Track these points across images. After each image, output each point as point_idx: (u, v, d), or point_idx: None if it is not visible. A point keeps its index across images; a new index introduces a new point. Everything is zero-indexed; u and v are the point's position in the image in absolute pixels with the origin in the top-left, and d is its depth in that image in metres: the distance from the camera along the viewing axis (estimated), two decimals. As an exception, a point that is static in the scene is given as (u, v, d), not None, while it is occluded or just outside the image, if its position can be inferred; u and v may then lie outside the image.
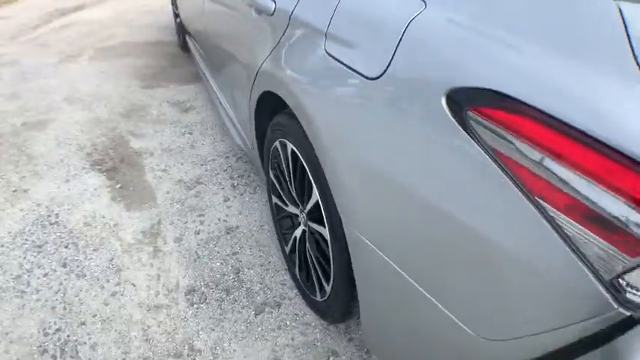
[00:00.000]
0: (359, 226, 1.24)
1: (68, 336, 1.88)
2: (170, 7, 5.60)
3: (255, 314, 1.95)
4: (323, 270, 1.65)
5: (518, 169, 0.83)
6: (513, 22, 0.91)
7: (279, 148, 1.78)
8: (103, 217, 2.58)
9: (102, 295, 2.06)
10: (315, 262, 1.69)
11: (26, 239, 2.45)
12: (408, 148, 1.02)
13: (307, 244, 1.75)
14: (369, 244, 1.20)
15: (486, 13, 0.96)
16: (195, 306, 2.00)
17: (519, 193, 0.82)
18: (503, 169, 0.84)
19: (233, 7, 2.22)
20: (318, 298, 1.74)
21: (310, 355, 1.78)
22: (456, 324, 0.99)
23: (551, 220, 0.79)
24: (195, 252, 2.28)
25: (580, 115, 0.75)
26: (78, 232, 2.47)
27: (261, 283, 2.10)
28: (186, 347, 1.83)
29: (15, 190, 2.90)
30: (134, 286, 2.10)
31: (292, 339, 1.85)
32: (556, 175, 0.79)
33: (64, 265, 2.25)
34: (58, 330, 1.92)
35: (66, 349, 1.83)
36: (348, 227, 1.29)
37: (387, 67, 1.10)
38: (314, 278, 1.74)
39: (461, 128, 0.89)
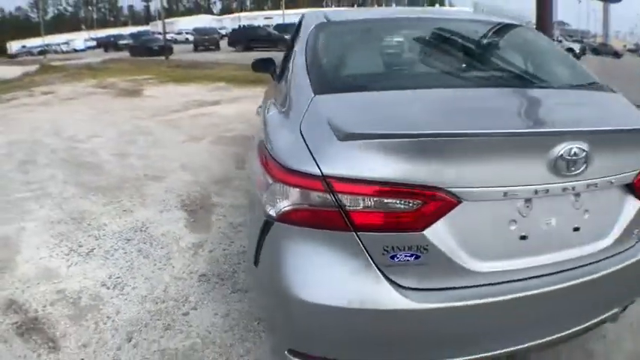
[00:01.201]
0: None
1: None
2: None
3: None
4: None
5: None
6: None
7: None
8: (174, 233, 3.82)
9: (156, 265, 3.20)
10: None
11: (121, 237, 3.75)
12: None
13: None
14: None
15: None
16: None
17: None
18: None
19: None
20: None
21: None
22: None
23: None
24: (223, 255, 3.36)
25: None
26: (155, 238, 3.74)
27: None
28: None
29: (124, 210, 4.32)
30: (173, 267, 3.22)
31: None
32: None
33: (140, 251, 3.48)
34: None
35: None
36: None
37: None
38: None
39: None
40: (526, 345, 1.73)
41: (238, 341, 2.44)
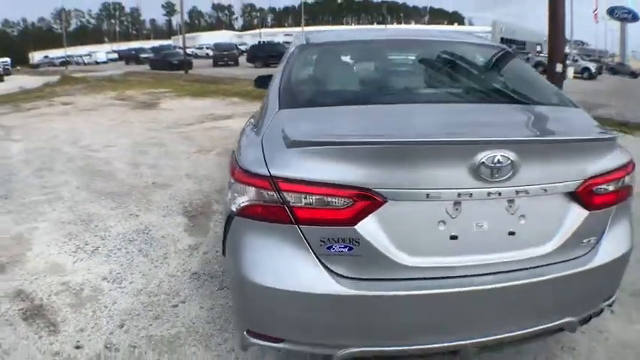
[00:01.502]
0: None
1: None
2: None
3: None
4: None
5: None
6: None
7: None
8: (174, 235, 4.12)
9: (153, 263, 3.49)
10: None
11: (124, 237, 4.07)
12: None
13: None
14: None
15: None
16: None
17: None
18: None
19: None
20: None
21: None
22: None
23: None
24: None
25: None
26: (156, 240, 4.06)
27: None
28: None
29: (130, 214, 4.65)
30: (169, 265, 3.50)
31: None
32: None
33: (140, 250, 3.79)
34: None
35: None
36: None
37: None
38: None
39: None
40: (462, 342, 1.87)
41: (218, 331, 2.70)
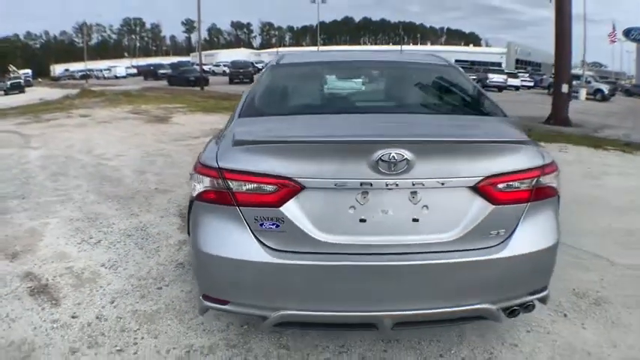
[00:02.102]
0: None
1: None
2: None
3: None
4: None
5: None
6: None
7: None
8: (167, 232, 4.64)
9: (146, 254, 3.98)
10: None
11: (124, 233, 4.59)
12: None
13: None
14: None
15: None
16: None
17: None
18: None
19: None
20: None
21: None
22: None
23: None
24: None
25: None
26: (151, 236, 4.58)
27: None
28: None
29: (132, 214, 5.19)
30: (159, 256, 3.99)
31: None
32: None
33: (136, 244, 4.29)
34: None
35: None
36: None
37: None
38: None
39: None
40: (376, 313, 2.21)
41: (192, 309, 3.16)
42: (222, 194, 2.26)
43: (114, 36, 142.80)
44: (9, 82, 40.91)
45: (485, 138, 2.35)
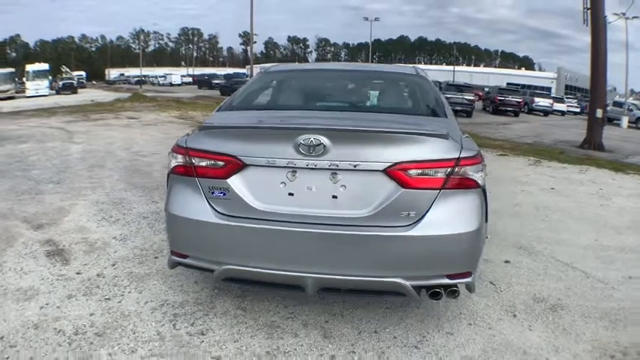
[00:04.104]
0: None
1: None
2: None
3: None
4: None
5: None
6: None
7: None
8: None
9: (154, 232, 4.48)
10: None
11: (140, 215, 5.12)
12: None
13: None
14: None
15: None
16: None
17: None
18: None
19: None
20: None
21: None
22: None
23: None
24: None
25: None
26: (163, 218, 5.03)
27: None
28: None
29: (152, 201, 5.73)
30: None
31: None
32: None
33: (149, 224, 4.80)
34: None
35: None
36: None
37: None
38: None
39: None
40: (301, 274, 2.57)
41: (176, 275, 3.61)
42: (187, 168, 2.77)
43: (171, 44, 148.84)
44: (61, 83, 43.49)
45: (398, 130, 2.66)
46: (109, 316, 3.02)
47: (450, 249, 2.60)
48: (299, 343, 2.80)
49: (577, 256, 4.42)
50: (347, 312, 3.16)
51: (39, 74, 39.48)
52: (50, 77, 42.95)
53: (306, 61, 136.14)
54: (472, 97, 26.48)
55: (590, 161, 10.71)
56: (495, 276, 3.86)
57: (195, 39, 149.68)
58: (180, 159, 2.80)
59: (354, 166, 2.55)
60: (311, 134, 2.54)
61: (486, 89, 36.90)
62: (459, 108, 25.04)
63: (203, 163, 2.71)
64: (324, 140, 2.53)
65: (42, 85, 38.40)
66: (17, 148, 9.60)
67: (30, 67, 40.35)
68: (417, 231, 2.54)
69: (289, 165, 2.60)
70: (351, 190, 2.58)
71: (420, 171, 2.55)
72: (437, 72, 69.69)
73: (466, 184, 2.63)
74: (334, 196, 2.59)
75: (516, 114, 29.92)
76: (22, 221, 4.88)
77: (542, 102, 36.00)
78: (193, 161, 2.73)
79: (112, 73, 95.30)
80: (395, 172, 2.54)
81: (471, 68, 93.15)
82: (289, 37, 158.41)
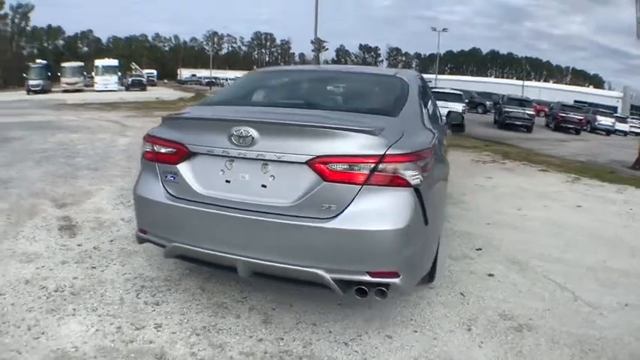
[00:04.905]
0: None
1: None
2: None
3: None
4: None
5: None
6: None
7: None
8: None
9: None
10: None
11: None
12: None
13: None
14: None
15: None
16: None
17: None
18: None
19: None
20: None
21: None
22: None
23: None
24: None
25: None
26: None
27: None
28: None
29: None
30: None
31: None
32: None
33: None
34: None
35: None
36: None
37: None
38: None
39: None
40: (234, 257, 2.79)
41: (160, 253, 4.04)
42: (151, 155, 3.18)
43: (244, 48, 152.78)
44: (130, 79, 45.89)
45: (321, 124, 2.80)
46: (87, 281, 3.53)
47: (370, 245, 2.66)
48: (236, 324, 3.09)
49: (574, 277, 4.16)
50: (297, 303, 3.36)
51: (108, 69, 41.63)
52: (119, 73, 44.87)
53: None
54: (532, 112, 25.76)
55: (633, 181, 10.36)
56: (470, 288, 3.76)
57: (268, 43, 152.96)
58: (147, 147, 3.20)
59: (279, 157, 2.75)
60: (241, 126, 2.80)
61: (551, 105, 35.76)
62: (518, 123, 24.56)
63: (162, 150, 3.09)
64: (253, 132, 2.76)
65: (110, 81, 40.47)
66: (68, 137, 10.63)
67: (99, 62, 42.55)
68: (335, 224, 2.65)
69: (224, 154, 2.87)
70: (279, 181, 2.80)
71: (341, 165, 2.66)
72: (506, 86, 68.23)
73: (394, 182, 2.67)
74: (263, 185, 2.83)
75: (577, 132, 28.85)
76: (50, 200, 5.57)
77: (604, 120, 34.77)
78: (155, 148, 3.13)
79: (184, 73, 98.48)
80: (316, 165, 2.68)
81: (540, 84, 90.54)
82: (361, 45, 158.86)
